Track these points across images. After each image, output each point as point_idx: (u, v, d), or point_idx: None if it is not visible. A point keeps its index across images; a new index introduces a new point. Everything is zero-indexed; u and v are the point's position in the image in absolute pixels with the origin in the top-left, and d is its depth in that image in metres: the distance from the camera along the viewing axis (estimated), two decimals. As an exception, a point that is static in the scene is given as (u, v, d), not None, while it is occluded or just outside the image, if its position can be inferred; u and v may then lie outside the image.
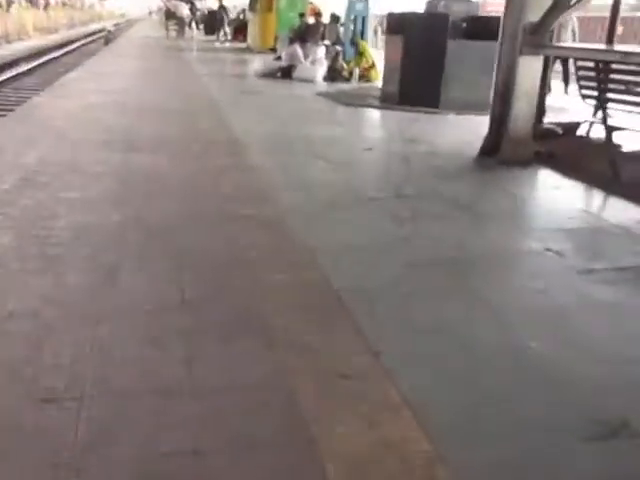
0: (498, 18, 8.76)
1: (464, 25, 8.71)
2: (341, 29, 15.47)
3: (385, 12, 19.93)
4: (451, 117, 8.26)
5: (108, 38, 24.58)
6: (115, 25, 41.15)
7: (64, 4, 55.74)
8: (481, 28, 8.68)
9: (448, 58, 8.55)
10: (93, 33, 37.18)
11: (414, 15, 9.40)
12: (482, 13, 10.67)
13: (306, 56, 13.15)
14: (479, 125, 6.45)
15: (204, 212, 3.91)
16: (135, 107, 7.68)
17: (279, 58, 15.24)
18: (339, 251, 3.40)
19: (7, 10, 27.06)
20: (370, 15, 14.41)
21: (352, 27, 13.60)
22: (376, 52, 13.08)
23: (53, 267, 2.90)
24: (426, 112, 8.40)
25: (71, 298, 2.63)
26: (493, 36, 8.83)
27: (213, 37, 25.08)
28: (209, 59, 17.18)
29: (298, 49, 12.75)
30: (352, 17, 13.47)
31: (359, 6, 13.31)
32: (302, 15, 16.31)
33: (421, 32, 8.69)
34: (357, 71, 12.16)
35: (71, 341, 2.26)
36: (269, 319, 2.54)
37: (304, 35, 14.62)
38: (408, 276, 3.10)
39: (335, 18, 15.62)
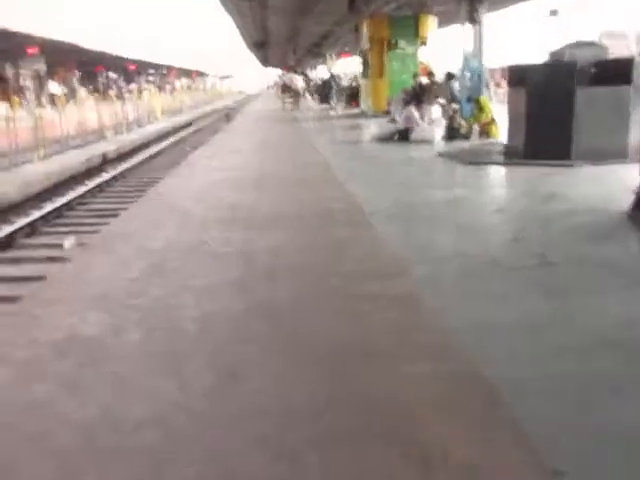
0: (629, 60, 8.13)
1: (593, 70, 8.17)
2: (455, 85, 15.26)
3: (495, 65, 19.59)
4: (586, 169, 7.64)
5: (229, 115, 25.86)
6: (235, 102, 43.44)
7: (188, 87, 60.01)
8: (611, 71, 8.16)
9: (578, 106, 8.03)
10: (215, 111, 39.46)
11: (538, 66, 8.97)
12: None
13: (422, 117, 12.99)
14: (621, 175, 5.86)
15: (328, 291, 3.67)
16: (255, 182, 7.74)
17: (393, 121, 15.21)
18: (482, 332, 3.02)
19: (138, 97, 29.30)
20: (484, 70, 14.09)
21: (468, 84, 13.28)
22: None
23: (178, 367, 2.73)
24: (557, 165, 7.85)
25: (196, 403, 2.43)
26: (626, 79, 8.35)
27: (326, 106, 25.70)
28: (324, 127, 17.48)
29: (414, 110, 12.61)
30: (467, 73, 13.18)
31: (474, 62, 13.02)
32: (415, 76, 16.29)
33: (547, 82, 8.24)
34: (476, 128, 11.79)
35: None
36: (414, 427, 2.19)
37: (419, 96, 14.53)
38: (572, 363, 2.65)
39: (450, 76, 15.42)
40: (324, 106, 26.20)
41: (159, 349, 2.93)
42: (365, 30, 18.96)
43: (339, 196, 6.63)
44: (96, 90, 35.45)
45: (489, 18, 12.94)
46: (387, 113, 17.21)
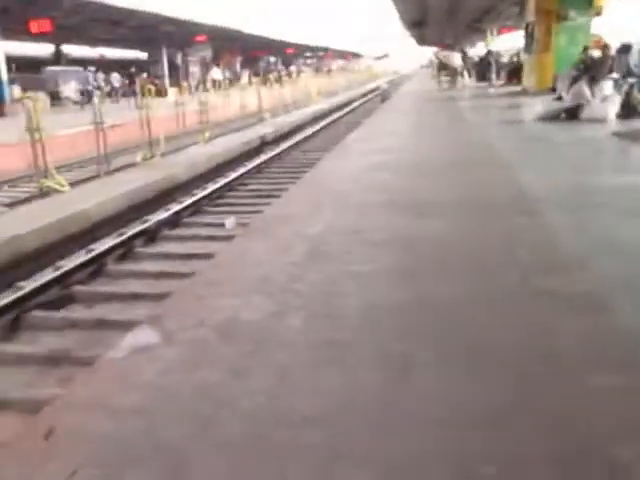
0: None
1: None
2: (633, 58, 13.92)
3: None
4: None
5: (384, 96, 25.66)
6: (389, 82, 43.10)
7: (343, 69, 60.55)
8: None
9: None
10: (370, 92, 39.44)
11: None
12: None
13: (593, 93, 11.98)
14: None
15: (498, 288, 3.38)
16: (413, 165, 7.50)
17: (560, 98, 14.20)
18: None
19: (296, 80, 29.99)
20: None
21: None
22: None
23: (342, 358, 2.63)
24: None
25: (362, 401, 2.31)
26: None
27: (484, 84, 24.69)
28: (483, 106, 16.77)
29: (584, 87, 11.64)
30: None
31: (657, 32, 11.76)
32: (586, 49, 15.06)
33: None
34: (658, 105, 10.66)
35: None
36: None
37: (590, 71, 13.42)
38: None
39: (626, 48, 14.09)
40: (482, 84, 25.17)
41: (321, 338, 2.85)
42: (531, 1, 17.83)
43: (504, 181, 6.23)
44: (256, 74, 36.79)
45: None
46: (552, 90, 16.14)
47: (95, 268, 6.29)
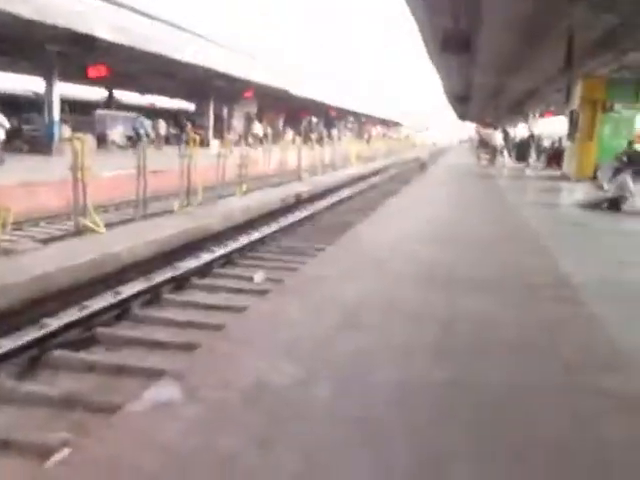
0: None
1: None
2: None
3: None
4: None
5: (424, 165, 25.84)
6: (428, 153, 43.58)
7: (384, 135, 61.48)
8: None
9: None
10: (408, 161, 39.80)
11: None
12: None
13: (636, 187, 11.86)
14: None
15: (543, 382, 3.20)
16: (451, 239, 7.39)
17: (601, 187, 14.09)
18: None
19: (337, 142, 30.47)
20: None
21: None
22: None
23: (374, 445, 2.48)
24: None
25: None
26: None
27: (523, 164, 24.74)
28: (521, 187, 16.73)
29: (628, 179, 11.52)
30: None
31: None
32: (631, 143, 15.05)
33: None
34: None
35: None
36: None
37: (633, 164, 13.36)
38: None
39: (672, 145, 14.04)
40: (521, 165, 25.22)
41: (351, 415, 2.70)
42: (578, 90, 17.95)
43: (542, 265, 6.07)
44: (298, 133, 37.49)
45: None
46: (592, 179, 16.06)
47: (120, 311, 6.23)
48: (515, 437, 2.58)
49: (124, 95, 36.07)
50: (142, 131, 24.87)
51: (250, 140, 31.21)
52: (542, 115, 33.75)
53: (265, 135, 33.77)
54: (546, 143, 30.17)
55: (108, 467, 2.23)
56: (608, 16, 12.70)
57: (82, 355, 5.16)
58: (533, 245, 7.19)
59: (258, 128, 34.86)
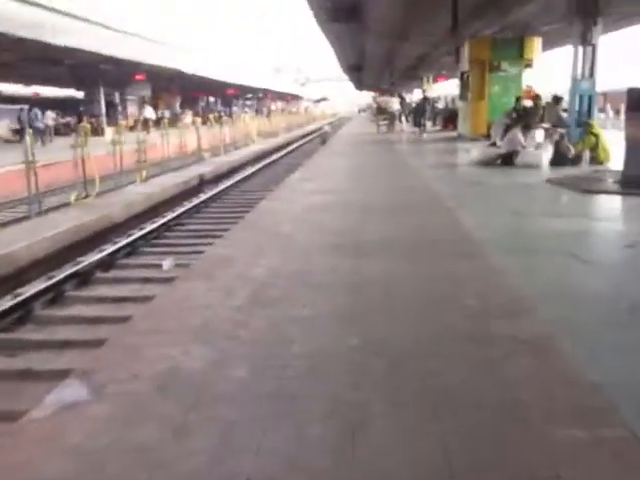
0: None
1: None
2: (562, 109, 14.56)
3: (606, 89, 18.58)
4: None
5: (324, 138, 25.91)
6: (328, 124, 43.78)
7: (283, 110, 61.18)
8: None
9: None
10: (309, 134, 39.84)
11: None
12: None
13: (526, 141, 12.41)
14: None
15: (449, 330, 3.31)
16: (356, 207, 7.48)
17: (494, 144, 14.66)
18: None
19: (235, 120, 29.99)
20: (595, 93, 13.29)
21: (577, 107, 12.54)
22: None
23: (291, 413, 2.47)
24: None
25: (314, 461, 2.15)
26: None
27: (421, 129, 25.32)
28: (420, 150, 17.14)
29: (519, 134, 12.03)
30: (577, 96, 12.45)
31: (585, 85, 12.29)
32: (518, 99, 15.68)
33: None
34: (587, 154, 11.08)
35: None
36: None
37: (522, 119, 13.95)
38: None
39: (557, 99, 14.73)
40: (417, 129, 25.83)
41: (268, 390, 2.68)
42: (466, 52, 18.50)
43: (446, 223, 6.26)
44: (196, 114, 36.64)
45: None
46: (486, 137, 16.68)
47: (22, 314, 5.91)
48: (439, 397, 2.64)
49: (7, 87, 34.03)
50: (30, 123, 23.42)
51: (149, 125, 30.22)
52: (436, 79, 34.64)
53: (161, 118, 32.76)
54: (441, 106, 31.03)
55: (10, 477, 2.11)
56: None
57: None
58: (436, 207, 7.38)
59: (150, 112, 33.69)
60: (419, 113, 25.57)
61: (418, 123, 25.95)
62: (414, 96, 43.32)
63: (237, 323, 3.49)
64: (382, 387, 2.70)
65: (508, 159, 11.66)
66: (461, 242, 5.39)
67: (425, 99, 27.63)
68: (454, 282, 4.22)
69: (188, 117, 34.81)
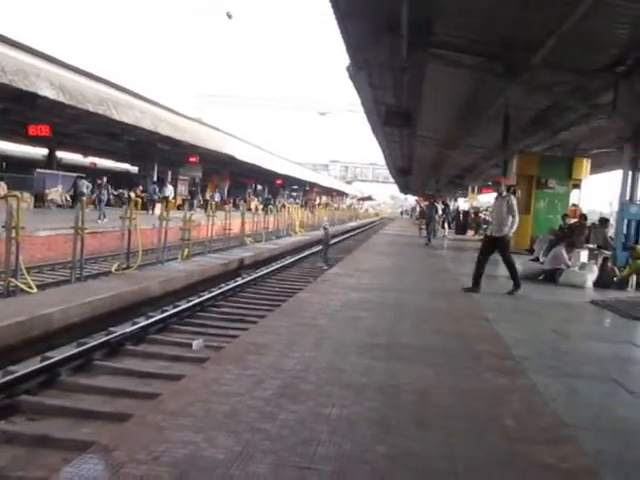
0: None
1: None
2: (608, 232, 14.46)
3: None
4: None
5: (367, 234, 26.13)
6: (370, 224, 44.25)
7: (327, 205, 62.31)
8: None
9: None
10: (351, 230, 40.23)
11: None
12: None
13: (571, 259, 12.24)
14: None
15: (485, 453, 3.12)
16: (395, 305, 7.39)
17: (537, 260, 14.49)
18: None
19: (279, 211, 30.52)
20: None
21: (624, 231, 12.41)
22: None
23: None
24: None
25: None
26: None
27: (462, 236, 25.37)
28: (461, 258, 17.03)
29: (564, 252, 11.88)
30: (624, 220, 12.36)
31: (633, 209, 12.22)
32: (565, 217, 15.66)
33: None
34: (634, 278, 10.84)
35: None
36: None
37: (567, 238, 13.83)
38: None
39: (604, 221, 14.66)
40: (460, 237, 25.87)
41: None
42: (514, 166, 18.72)
43: (485, 334, 6.10)
44: (243, 199, 37.58)
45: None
46: (529, 251, 16.55)
47: (48, 377, 5.86)
48: None
49: (66, 155, 35.64)
50: (84, 190, 24.26)
51: (195, 204, 31.01)
52: (481, 190, 35.05)
53: (208, 200, 33.56)
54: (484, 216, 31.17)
55: None
56: (541, 97, 13.42)
57: (0, 425, 4.78)
58: (474, 315, 7.24)
59: (170, 191, 33.00)
60: (462, 221, 25.75)
61: (461, 231, 26.07)
62: (458, 204, 43.74)
63: (264, 415, 3.38)
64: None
65: (551, 276, 11.48)
66: (501, 356, 5.21)
67: (470, 208, 27.91)
68: (493, 399, 4.04)
69: (254, 202, 36.28)
